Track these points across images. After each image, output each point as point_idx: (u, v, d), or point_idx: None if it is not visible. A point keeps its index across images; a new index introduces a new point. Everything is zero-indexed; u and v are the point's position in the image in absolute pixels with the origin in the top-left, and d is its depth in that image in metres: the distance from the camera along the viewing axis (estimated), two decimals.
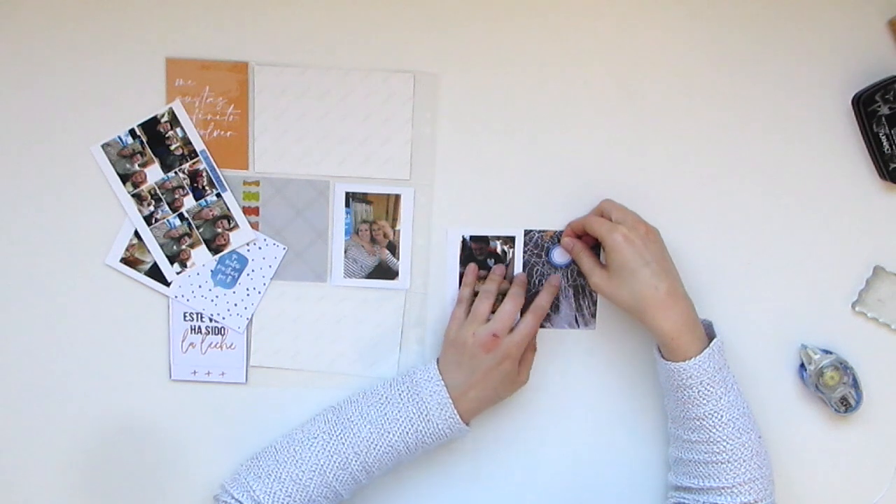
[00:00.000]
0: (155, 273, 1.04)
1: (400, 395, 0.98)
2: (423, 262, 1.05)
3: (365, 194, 1.04)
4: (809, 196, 1.04)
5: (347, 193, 1.04)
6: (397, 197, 1.04)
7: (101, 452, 1.06)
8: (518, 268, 1.05)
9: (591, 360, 1.06)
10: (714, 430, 0.94)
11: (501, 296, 1.02)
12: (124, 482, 1.06)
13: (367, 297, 1.05)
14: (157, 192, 1.03)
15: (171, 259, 1.04)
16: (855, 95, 1.02)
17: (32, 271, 1.04)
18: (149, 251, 1.04)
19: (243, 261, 1.04)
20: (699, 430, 0.95)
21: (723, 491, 0.95)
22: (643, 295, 0.94)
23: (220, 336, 1.05)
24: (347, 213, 1.04)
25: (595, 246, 1.03)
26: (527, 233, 1.05)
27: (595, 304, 1.06)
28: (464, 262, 1.05)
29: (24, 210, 1.03)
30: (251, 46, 1.02)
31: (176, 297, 1.04)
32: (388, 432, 0.97)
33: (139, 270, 1.04)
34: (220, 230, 1.04)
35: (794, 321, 1.05)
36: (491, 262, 1.05)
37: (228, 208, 1.04)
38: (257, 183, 1.03)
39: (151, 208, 1.03)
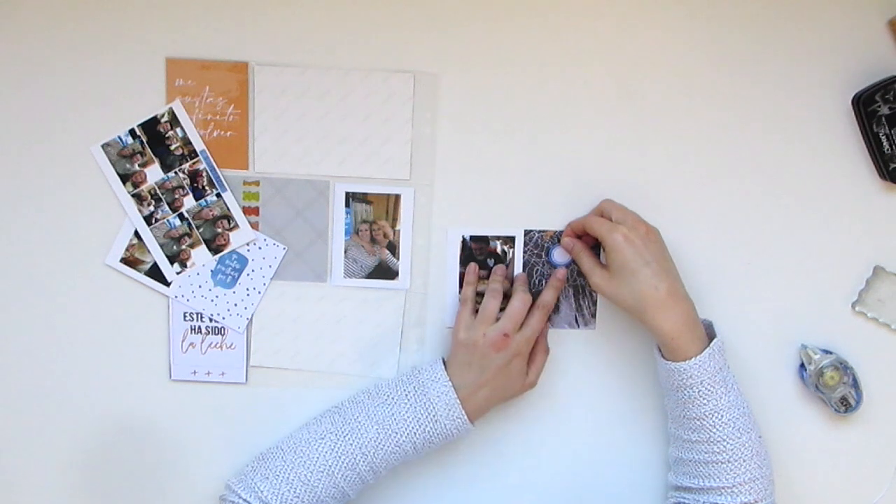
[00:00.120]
0: (155, 273, 1.04)
1: (407, 395, 0.98)
2: (423, 262, 1.05)
3: (365, 194, 1.04)
4: (809, 196, 1.04)
5: (347, 193, 1.04)
6: (397, 197, 1.04)
7: (101, 452, 1.06)
8: (518, 268, 1.05)
9: (591, 360, 1.06)
10: (714, 430, 0.94)
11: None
12: (124, 482, 1.06)
13: (367, 297, 1.05)
14: (157, 192, 1.03)
15: (171, 259, 1.04)
16: (855, 95, 1.02)
17: (32, 271, 1.04)
18: (149, 251, 1.04)
19: (243, 261, 1.04)
20: (699, 429, 0.95)
21: (723, 491, 0.95)
22: (643, 295, 0.94)
23: (220, 336, 1.05)
24: (347, 213, 1.04)
25: (595, 246, 1.03)
26: (527, 233, 1.05)
27: (595, 304, 1.06)
28: (464, 262, 1.05)
29: (24, 210, 1.03)
30: (251, 46, 1.02)
31: (176, 297, 1.04)
32: (396, 433, 0.97)
33: (139, 270, 1.04)
34: (220, 230, 1.04)
35: (794, 321, 1.05)
36: (491, 262, 1.05)
37: (228, 208, 1.04)
38: (257, 183, 1.04)
39: (151, 208, 1.03)
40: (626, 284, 0.95)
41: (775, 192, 1.04)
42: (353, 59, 1.02)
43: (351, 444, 0.96)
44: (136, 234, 1.03)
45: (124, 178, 1.03)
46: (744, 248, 1.05)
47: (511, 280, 1.04)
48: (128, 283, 1.04)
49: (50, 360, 1.05)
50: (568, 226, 1.03)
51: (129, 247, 1.04)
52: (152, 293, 1.04)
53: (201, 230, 1.04)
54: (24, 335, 1.04)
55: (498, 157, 1.04)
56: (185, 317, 1.05)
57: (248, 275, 1.04)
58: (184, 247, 1.04)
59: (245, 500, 0.95)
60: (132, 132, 1.02)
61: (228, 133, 1.03)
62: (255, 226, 1.04)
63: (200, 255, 1.04)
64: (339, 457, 0.96)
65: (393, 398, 0.98)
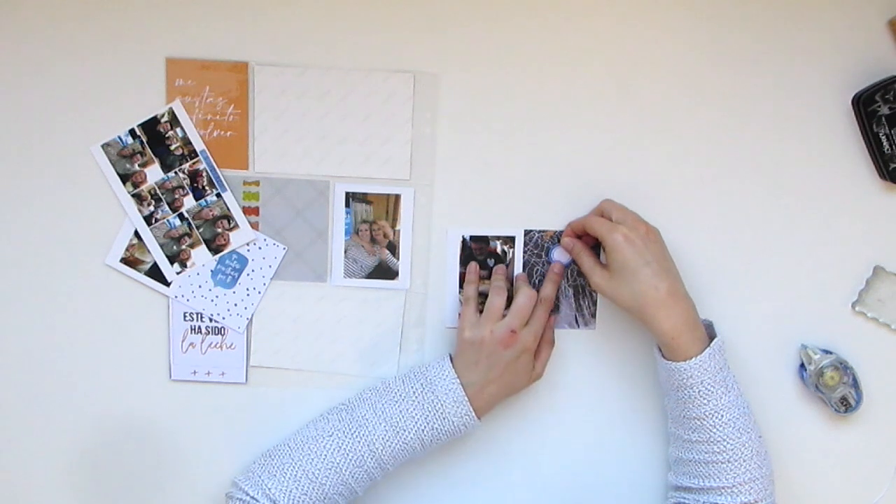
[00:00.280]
0: (155, 273, 1.04)
1: (415, 392, 0.98)
2: (423, 262, 1.05)
3: (365, 194, 1.04)
4: (809, 196, 1.04)
5: (347, 193, 1.04)
6: (397, 197, 1.04)
7: (101, 452, 1.06)
8: (518, 268, 1.05)
9: (591, 360, 1.06)
10: (714, 430, 0.95)
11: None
12: (124, 482, 1.06)
13: (367, 297, 1.05)
14: (157, 192, 1.03)
15: (171, 259, 1.04)
16: (855, 95, 1.02)
17: (32, 271, 1.04)
18: (149, 251, 1.04)
19: (243, 261, 1.04)
20: (699, 429, 0.95)
21: (723, 491, 0.95)
22: (644, 295, 0.94)
23: (220, 336, 1.05)
24: (347, 213, 1.04)
25: (595, 246, 1.03)
26: (527, 233, 1.05)
27: (595, 304, 1.06)
28: (464, 262, 1.05)
29: (24, 210, 1.03)
30: (251, 46, 1.02)
31: (176, 297, 1.04)
32: (404, 430, 0.97)
33: (139, 270, 1.04)
34: (220, 230, 1.04)
35: (794, 321, 1.05)
36: (491, 262, 1.05)
37: (228, 208, 1.04)
38: (257, 183, 1.04)
39: (151, 208, 1.03)
40: (626, 284, 0.95)
41: (775, 192, 1.04)
42: (353, 59, 1.02)
43: (359, 442, 0.97)
44: (136, 234, 1.03)
45: (124, 178, 1.03)
46: (744, 248, 1.05)
47: (511, 280, 1.05)
48: (128, 283, 1.04)
49: (50, 360, 1.05)
50: (568, 226, 1.04)
51: (129, 247, 1.04)
52: (152, 293, 1.04)
53: (201, 230, 1.04)
54: (24, 335, 1.04)
55: (498, 157, 1.04)
56: (185, 317, 1.05)
57: (248, 275, 1.04)
58: (184, 247, 1.04)
59: (252, 497, 0.96)
60: (132, 132, 1.02)
61: (228, 133, 1.03)
62: (255, 226, 1.04)
63: (200, 255, 1.04)
64: (348, 454, 0.96)
65: (401, 395, 0.98)
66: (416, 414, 0.97)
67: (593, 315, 1.06)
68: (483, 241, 1.05)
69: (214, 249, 1.04)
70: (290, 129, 1.03)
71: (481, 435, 1.05)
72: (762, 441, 0.97)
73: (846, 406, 1.04)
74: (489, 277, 1.04)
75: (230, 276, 1.04)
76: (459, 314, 1.03)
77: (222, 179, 1.03)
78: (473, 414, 0.98)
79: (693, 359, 0.94)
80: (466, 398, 0.97)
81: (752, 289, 1.05)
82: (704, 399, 0.94)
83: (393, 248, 1.05)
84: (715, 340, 0.95)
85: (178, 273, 1.04)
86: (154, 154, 1.03)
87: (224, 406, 1.06)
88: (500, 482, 1.07)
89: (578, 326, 1.06)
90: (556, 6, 1.02)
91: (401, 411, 0.97)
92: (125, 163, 1.03)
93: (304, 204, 1.04)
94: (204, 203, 1.03)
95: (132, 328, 1.04)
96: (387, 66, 1.02)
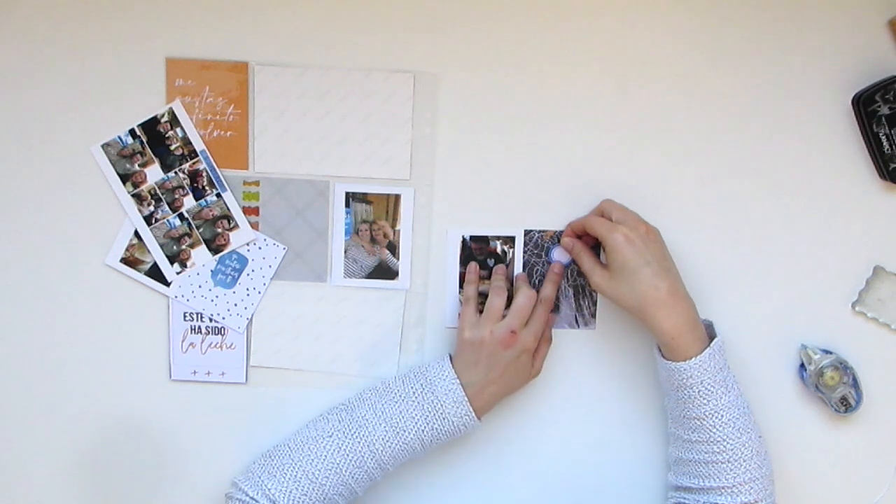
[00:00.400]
0: (155, 273, 1.04)
1: (415, 393, 0.98)
2: (423, 262, 1.05)
3: (365, 194, 1.04)
4: (809, 196, 1.04)
5: (347, 193, 1.04)
6: (397, 197, 1.04)
7: (101, 452, 1.06)
8: (518, 268, 1.05)
9: (591, 360, 1.06)
10: (714, 430, 0.95)
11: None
12: (124, 482, 1.06)
13: (367, 297, 1.05)
14: (157, 192, 1.03)
15: (171, 259, 1.04)
16: (855, 95, 1.02)
17: (32, 271, 1.04)
18: (149, 251, 1.04)
19: (243, 261, 1.04)
20: (699, 429, 0.95)
21: (723, 491, 0.95)
22: (644, 294, 0.94)
23: (220, 336, 1.05)
24: (347, 213, 1.04)
25: (595, 246, 1.03)
26: (527, 233, 1.05)
27: (595, 304, 1.06)
28: (464, 261, 1.05)
29: (24, 210, 1.03)
30: (251, 46, 1.02)
31: (176, 297, 1.04)
32: (404, 430, 0.97)
33: (139, 270, 1.04)
34: (220, 230, 1.04)
35: (794, 321, 1.05)
36: (491, 262, 1.05)
37: (228, 208, 1.04)
38: (257, 183, 1.04)
39: (151, 208, 1.03)
40: (626, 284, 0.95)
41: (775, 192, 1.04)
42: (353, 59, 1.02)
43: (359, 442, 0.97)
44: (136, 234, 1.03)
45: (124, 178, 1.03)
46: (744, 248, 1.05)
47: (511, 280, 1.05)
48: (128, 283, 1.04)
49: (50, 360, 1.05)
50: (568, 226, 1.04)
51: (129, 247, 1.04)
52: (152, 293, 1.04)
53: (201, 230, 1.04)
54: (24, 335, 1.04)
55: (498, 157, 1.04)
56: (185, 317, 1.05)
57: (248, 275, 1.04)
58: (184, 247, 1.04)
59: (252, 497, 0.96)
60: (132, 132, 1.02)
61: (228, 133, 1.03)
62: (255, 226, 1.04)
63: (200, 255, 1.04)
64: (348, 454, 0.96)
65: (401, 396, 0.98)
66: (416, 414, 0.97)
67: (593, 315, 1.06)
68: (483, 241, 1.05)
69: (214, 249, 1.04)
70: (290, 129, 1.03)
71: (481, 435, 1.05)
72: (762, 441, 0.97)
73: (846, 406, 1.04)
74: (489, 277, 1.04)
75: (230, 276, 1.04)
76: (459, 314, 1.03)
77: (222, 179, 1.03)
78: (473, 414, 0.98)
79: (693, 359, 0.94)
80: (466, 398, 0.97)
81: (752, 289, 1.05)
82: (704, 399, 0.94)
83: (393, 248, 1.05)
84: (715, 340, 0.95)
85: (178, 273, 1.04)
86: (154, 154, 1.03)
87: (224, 406, 1.06)
88: (500, 482, 1.07)
89: (578, 326, 1.06)
90: (556, 6, 1.02)
91: (401, 411, 0.97)
92: (125, 163, 1.03)
93: (304, 204, 1.04)
94: (204, 203, 1.03)
95: (132, 328, 1.04)
96: (387, 66, 1.02)
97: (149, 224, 1.03)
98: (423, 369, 1.00)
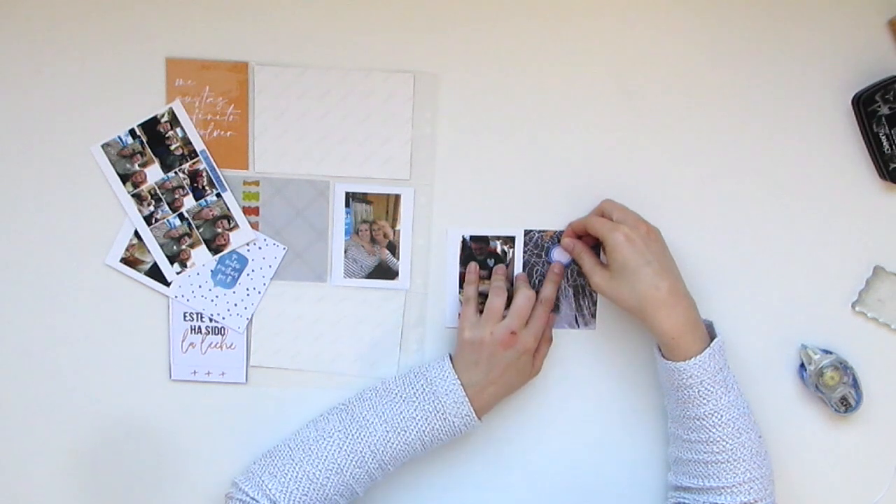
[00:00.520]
0: (155, 273, 1.04)
1: (415, 393, 0.98)
2: (423, 262, 1.05)
3: (365, 194, 1.04)
4: (809, 196, 1.04)
5: (347, 193, 1.04)
6: (397, 197, 1.04)
7: (101, 452, 1.06)
8: (518, 268, 1.05)
9: (591, 360, 1.06)
10: (714, 430, 0.94)
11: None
12: (124, 482, 1.06)
13: (367, 297, 1.05)
14: (157, 192, 1.03)
15: (171, 259, 1.04)
16: (855, 95, 1.02)
17: (32, 271, 1.04)
18: (149, 251, 1.04)
19: (243, 261, 1.04)
20: (699, 429, 0.95)
21: (722, 490, 0.95)
22: (645, 294, 0.94)
23: (220, 336, 1.05)
24: (347, 213, 1.04)
25: (594, 247, 1.03)
26: (527, 233, 1.05)
27: (595, 304, 1.06)
28: (464, 261, 1.05)
29: (24, 210, 1.03)
30: (251, 46, 1.02)
31: (176, 297, 1.04)
32: (405, 430, 0.97)
33: (139, 270, 1.04)
34: (220, 230, 1.04)
35: (794, 321, 1.05)
36: (491, 262, 1.05)
37: (228, 208, 1.04)
38: (257, 183, 1.04)
39: (151, 208, 1.03)
40: (627, 284, 0.95)
41: (775, 192, 1.04)
42: (353, 59, 1.02)
43: (360, 442, 0.97)
44: (136, 234, 1.03)
45: (124, 178, 1.03)
46: (744, 248, 1.05)
47: (511, 280, 1.05)
48: (128, 283, 1.04)
49: (50, 360, 1.05)
50: (569, 226, 1.03)
51: (129, 247, 1.04)
52: (152, 293, 1.04)
53: (201, 230, 1.04)
54: (24, 335, 1.04)
55: (498, 157, 1.04)
56: (185, 317, 1.05)
57: (248, 275, 1.04)
58: (184, 247, 1.04)
59: (252, 497, 0.96)
60: (132, 132, 1.02)
61: (228, 133, 1.03)
62: (255, 226, 1.04)
63: (200, 255, 1.04)
64: (348, 455, 0.96)
65: (401, 396, 0.98)
66: (416, 414, 0.97)
67: (593, 315, 1.06)
68: (483, 241, 1.05)
69: (214, 249, 1.04)
70: (290, 129, 1.03)
71: (481, 435, 1.05)
72: (762, 441, 0.97)
73: (846, 406, 1.04)
74: (489, 277, 1.04)
75: (230, 276, 1.04)
76: (459, 314, 1.03)
77: (222, 179, 1.03)
78: (474, 414, 0.98)
79: (693, 358, 0.94)
80: (467, 398, 0.97)
81: (752, 289, 1.05)
82: (704, 399, 0.94)
83: (393, 248, 1.05)
84: (715, 340, 0.95)
85: (178, 273, 1.04)
86: (154, 154, 1.03)
87: (224, 406, 1.06)
88: (500, 482, 1.07)
89: (578, 326, 1.06)
90: (556, 6, 1.02)
91: (401, 412, 0.97)
92: (125, 163, 1.03)
93: (304, 204, 1.04)
94: (204, 203, 1.03)
95: (132, 328, 1.04)
96: (387, 66, 1.02)
97: (149, 224, 1.03)
98: (423, 369, 1.00)
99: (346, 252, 1.04)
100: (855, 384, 1.03)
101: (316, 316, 1.05)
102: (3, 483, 1.06)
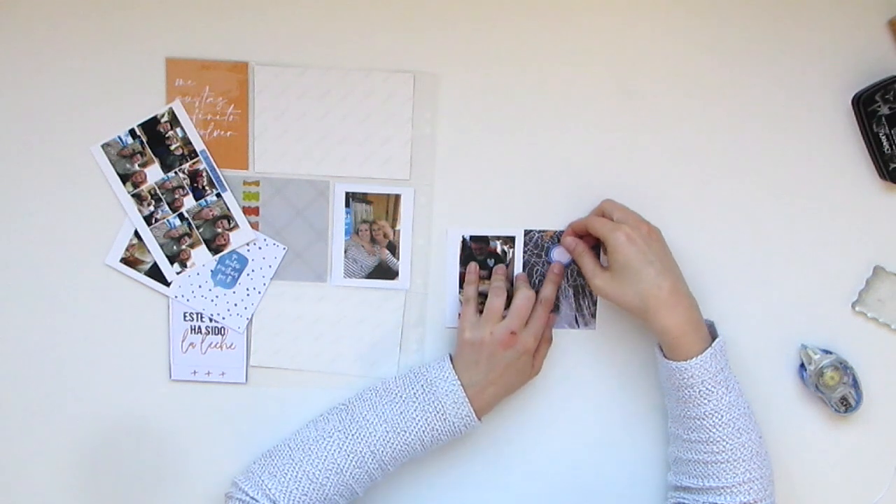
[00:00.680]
0: (155, 273, 1.04)
1: (415, 393, 0.98)
2: (423, 262, 1.05)
3: (365, 194, 1.04)
4: (809, 196, 1.04)
5: (347, 193, 1.04)
6: (397, 197, 1.04)
7: (101, 452, 1.06)
8: (518, 268, 1.05)
9: (591, 360, 1.06)
10: (714, 430, 0.94)
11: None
12: (124, 482, 1.06)
13: (367, 297, 1.05)
14: (157, 192, 1.03)
15: (171, 259, 1.04)
16: (855, 95, 1.02)
17: (32, 271, 1.03)
18: (149, 251, 1.04)
19: (243, 261, 1.04)
20: (699, 429, 0.95)
21: (722, 491, 0.95)
22: (647, 294, 0.94)
23: (220, 336, 1.05)
24: (347, 213, 1.04)
25: (595, 247, 1.03)
26: (527, 233, 1.05)
27: (595, 304, 1.06)
28: (464, 262, 1.05)
29: (24, 210, 1.03)
30: (251, 46, 1.02)
31: (176, 297, 1.04)
32: (405, 430, 0.97)
33: (139, 270, 1.04)
34: (220, 230, 1.04)
35: (794, 321, 1.05)
36: (491, 262, 1.05)
37: (228, 208, 1.04)
38: (257, 183, 1.04)
39: (151, 208, 1.03)
40: (629, 284, 0.95)
41: (775, 192, 1.04)
42: (353, 59, 1.02)
43: (360, 443, 0.97)
44: (136, 234, 1.03)
45: (124, 178, 1.03)
46: (744, 247, 1.05)
47: (511, 280, 1.05)
48: (128, 283, 1.04)
49: (50, 360, 1.05)
50: (569, 226, 1.03)
51: (129, 247, 1.04)
52: (152, 293, 1.04)
53: (201, 230, 1.04)
54: (24, 335, 1.04)
55: (498, 157, 1.04)
56: (185, 317, 1.05)
57: (248, 275, 1.04)
58: (184, 247, 1.04)
59: (252, 497, 0.96)
60: (132, 132, 1.02)
61: (228, 133, 1.03)
62: (255, 226, 1.04)
63: (200, 255, 1.04)
64: (348, 455, 0.96)
65: (401, 396, 0.98)
66: (416, 415, 0.97)
67: (593, 315, 1.06)
68: (483, 241, 1.05)
69: (214, 249, 1.04)
70: (290, 129, 1.03)
71: (481, 435, 1.05)
72: (762, 441, 0.97)
73: (846, 406, 1.04)
74: (489, 277, 1.04)
75: (230, 276, 1.04)
76: (459, 314, 1.03)
77: (222, 179, 1.03)
78: (474, 415, 0.98)
79: (695, 358, 0.94)
80: (467, 399, 0.97)
81: (752, 289, 1.05)
82: (705, 399, 0.94)
83: (393, 248, 1.05)
84: (717, 340, 0.95)
85: (178, 273, 1.04)
86: (154, 154, 1.03)
87: (224, 406, 1.05)
88: (500, 482, 1.07)
89: (578, 326, 1.06)
90: (556, 6, 1.02)
91: (401, 412, 0.97)
92: (125, 163, 1.03)
93: (304, 204, 1.04)
94: (204, 203, 1.03)
95: (132, 328, 1.04)
96: (387, 66, 1.02)
97: (149, 224, 1.03)
98: (423, 369, 1.00)
99: (346, 252, 1.04)
100: (855, 384, 1.03)
101: (316, 316, 1.05)
102: (3, 483, 1.06)
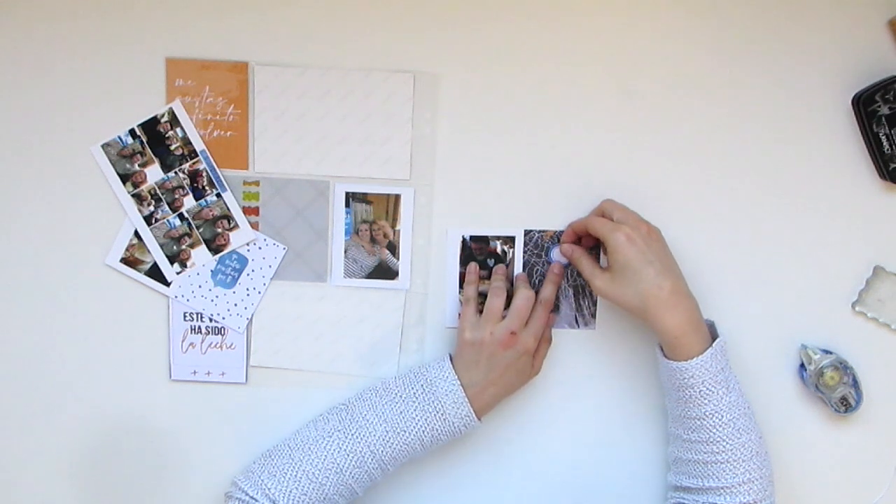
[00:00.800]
0: (155, 273, 1.04)
1: (415, 393, 0.98)
2: (423, 262, 1.05)
3: (365, 194, 1.04)
4: (809, 196, 1.04)
5: (347, 193, 1.04)
6: (397, 197, 1.04)
7: (101, 452, 1.06)
8: (518, 268, 1.05)
9: (591, 360, 1.06)
10: (714, 430, 0.94)
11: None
12: (124, 482, 1.06)
13: (367, 297, 1.05)
14: (157, 192, 1.03)
15: (171, 259, 1.04)
16: (855, 95, 1.02)
17: (32, 271, 1.03)
18: (149, 251, 1.04)
19: (243, 261, 1.04)
20: (699, 429, 0.95)
21: (722, 491, 0.95)
22: (647, 294, 0.94)
23: (220, 336, 1.05)
24: (347, 213, 1.04)
25: (594, 248, 1.03)
26: (527, 233, 1.05)
27: (595, 304, 1.06)
28: (464, 262, 1.05)
29: (24, 210, 1.03)
30: (251, 46, 1.02)
31: (176, 297, 1.04)
32: (405, 430, 0.97)
33: (139, 270, 1.04)
34: (220, 230, 1.04)
35: (794, 321, 1.05)
36: (491, 262, 1.05)
37: (228, 208, 1.04)
38: (257, 183, 1.04)
39: (151, 208, 1.03)
40: (629, 285, 0.95)
41: (775, 192, 1.04)
42: (353, 59, 1.02)
43: (360, 443, 0.97)
44: (136, 234, 1.03)
45: (124, 178, 1.03)
46: (744, 247, 1.05)
47: (511, 280, 1.05)
48: (128, 283, 1.04)
49: (50, 360, 1.05)
50: (569, 226, 1.03)
51: (129, 247, 1.04)
52: (152, 293, 1.04)
53: (201, 230, 1.04)
54: (24, 335, 1.04)
55: (498, 157, 1.04)
56: (185, 317, 1.05)
57: (248, 275, 1.04)
58: (184, 247, 1.04)
59: (252, 497, 0.96)
60: (132, 132, 1.02)
61: (228, 133, 1.03)
62: (255, 226, 1.04)
63: (200, 255, 1.04)
64: (348, 455, 0.96)
65: (401, 396, 0.98)
66: (416, 415, 0.97)
67: (593, 315, 1.06)
68: (483, 241, 1.05)
69: (214, 249, 1.04)
70: (290, 129, 1.03)
71: (481, 435, 1.05)
72: (762, 441, 0.97)
73: (846, 406, 1.04)
74: (489, 277, 1.04)
75: (230, 276, 1.04)
76: (459, 314, 1.03)
77: (222, 179, 1.03)
78: (474, 415, 0.98)
79: (695, 358, 0.94)
80: (467, 399, 0.97)
81: (753, 289, 1.05)
82: (705, 399, 0.94)
83: (393, 248, 1.05)
84: (717, 340, 0.95)
85: (178, 273, 1.04)
86: (154, 154, 1.03)
87: (224, 406, 1.06)
88: (500, 482, 1.07)
89: (578, 326, 1.06)
90: (556, 6, 1.02)
91: (401, 412, 0.97)
92: (125, 163, 1.03)
93: (304, 204, 1.04)
94: (204, 203, 1.03)
95: (132, 328, 1.04)
96: (387, 66, 1.02)
97: (149, 224, 1.03)
98: (423, 370, 1.00)
99: (346, 252, 1.04)
100: (855, 384, 1.03)
101: (316, 316, 1.05)
102: (3, 483, 1.06)
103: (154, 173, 1.03)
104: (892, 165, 1.02)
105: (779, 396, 1.06)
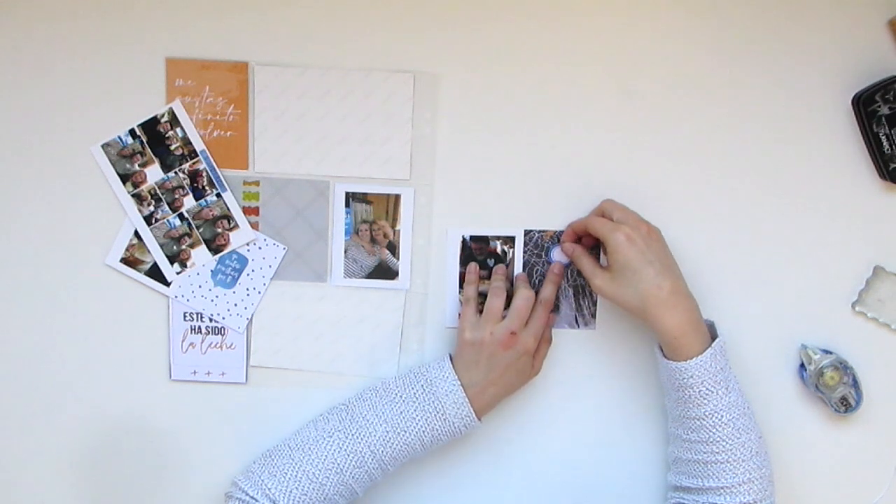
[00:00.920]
0: (155, 273, 1.04)
1: (415, 393, 0.98)
2: (423, 262, 1.05)
3: (365, 194, 1.04)
4: (809, 196, 1.04)
5: (347, 193, 1.04)
6: (397, 197, 1.04)
7: (101, 452, 1.06)
8: (518, 268, 1.05)
9: (591, 360, 1.06)
10: (714, 430, 0.94)
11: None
12: (124, 482, 1.06)
13: (367, 297, 1.05)
14: (157, 192, 1.03)
15: (171, 259, 1.04)
16: (855, 95, 1.02)
17: (32, 271, 1.04)
18: (149, 251, 1.04)
19: (243, 261, 1.04)
20: (699, 429, 0.95)
21: (722, 491, 0.95)
22: (647, 294, 0.94)
23: (220, 336, 1.05)
24: (347, 213, 1.04)
25: (594, 248, 1.03)
26: (527, 233, 1.05)
27: (595, 304, 1.06)
28: (464, 262, 1.05)
29: (24, 210, 1.03)
30: (251, 46, 1.02)
31: (176, 297, 1.04)
32: (405, 430, 0.97)
33: (139, 270, 1.04)
34: (220, 230, 1.04)
35: (794, 321, 1.05)
36: (491, 262, 1.05)
37: (228, 208, 1.04)
38: (257, 183, 1.04)
39: (151, 208, 1.03)
40: (629, 285, 0.95)
41: (775, 192, 1.04)
42: (353, 59, 1.02)
43: (360, 443, 0.97)
44: (136, 234, 1.03)
45: (124, 178, 1.03)
46: (744, 247, 1.05)
47: (511, 280, 1.05)
48: (128, 283, 1.04)
49: (50, 360, 1.05)
50: (569, 226, 1.03)
51: (129, 247, 1.04)
52: (152, 293, 1.04)
53: (201, 230, 1.04)
54: (24, 335, 1.04)
55: (498, 157, 1.04)
56: (185, 317, 1.05)
57: (248, 275, 1.04)
58: (184, 247, 1.04)
59: (252, 497, 0.96)
60: (132, 132, 1.02)
61: (228, 133, 1.03)
62: (255, 226, 1.04)
63: (200, 255, 1.04)
64: (349, 455, 0.96)
65: (401, 396, 0.98)
66: (416, 415, 0.97)
67: (593, 315, 1.06)
68: (483, 241, 1.05)
69: (214, 249, 1.04)
70: (290, 129, 1.03)
71: (481, 435, 1.05)
72: (762, 441, 0.97)
73: (846, 406, 1.04)
74: (489, 277, 1.04)
75: (230, 276, 1.04)
76: (460, 315, 1.03)
77: (222, 179, 1.03)
78: (474, 415, 0.98)
79: (695, 358, 0.94)
80: (467, 399, 0.98)
81: (753, 289, 1.05)
82: (705, 399, 0.94)
83: (393, 248, 1.05)
84: (717, 341, 0.95)
85: (178, 273, 1.04)
86: (154, 154, 1.03)
87: (224, 406, 1.06)
88: (500, 482, 1.07)
89: (578, 326, 1.06)
90: (556, 6, 1.02)
91: (401, 412, 0.97)
92: (125, 163, 1.03)
93: (304, 204, 1.04)
94: (204, 203, 1.03)
95: (132, 328, 1.04)
96: (387, 66, 1.02)
97: (149, 224, 1.03)
98: (423, 370, 1.00)
99: (346, 252, 1.04)
100: (855, 384, 1.03)
101: (316, 316, 1.05)
102: (3, 483, 1.06)
103: (154, 173, 1.03)
104: (892, 165, 1.02)
105: (779, 396, 1.06)
